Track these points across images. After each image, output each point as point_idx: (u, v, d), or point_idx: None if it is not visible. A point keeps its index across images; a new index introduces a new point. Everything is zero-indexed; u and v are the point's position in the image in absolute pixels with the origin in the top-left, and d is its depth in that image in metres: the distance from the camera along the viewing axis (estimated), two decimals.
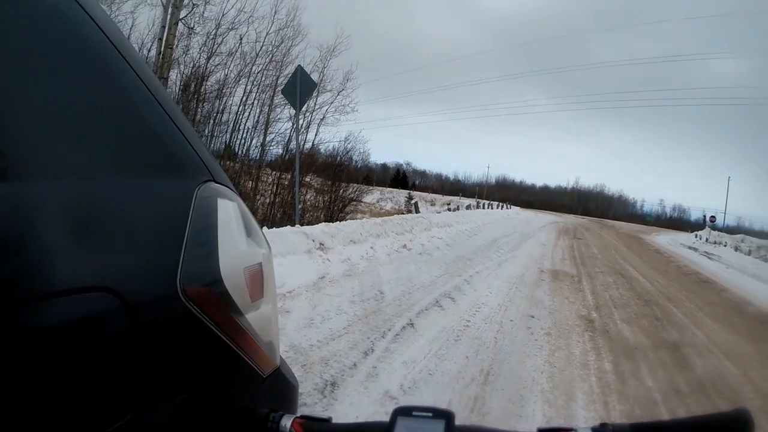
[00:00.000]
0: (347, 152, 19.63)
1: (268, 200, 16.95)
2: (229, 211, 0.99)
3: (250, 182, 16.72)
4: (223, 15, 15.48)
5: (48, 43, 0.84)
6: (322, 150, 19.25)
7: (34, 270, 0.66)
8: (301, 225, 8.49)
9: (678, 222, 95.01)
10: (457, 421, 0.65)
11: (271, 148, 18.06)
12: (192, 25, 14.86)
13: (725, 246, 25.18)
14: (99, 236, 0.76)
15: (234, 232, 0.98)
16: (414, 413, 0.66)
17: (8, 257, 0.65)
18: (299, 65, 10.58)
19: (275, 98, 17.18)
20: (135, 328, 0.75)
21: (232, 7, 15.65)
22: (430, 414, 0.66)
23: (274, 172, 17.78)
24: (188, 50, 15.41)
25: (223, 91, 16.34)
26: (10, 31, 0.78)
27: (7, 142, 0.70)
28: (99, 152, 0.84)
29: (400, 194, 58.31)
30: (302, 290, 5.29)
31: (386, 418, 0.66)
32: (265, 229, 7.14)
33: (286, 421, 0.71)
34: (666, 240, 27.96)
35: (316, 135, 18.50)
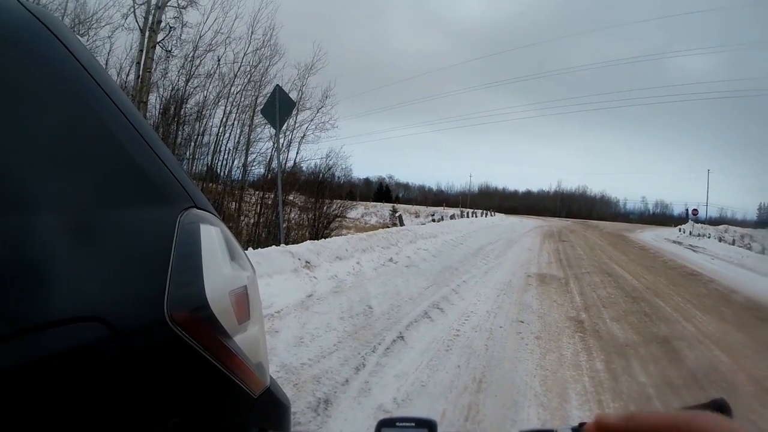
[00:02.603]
0: (329, 169, 19.69)
1: (252, 221, 16.90)
2: (212, 237, 1.00)
3: (234, 203, 16.68)
4: (200, 37, 15.54)
5: (28, 78, 0.85)
6: (304, 168, 19.27)
7: (26, 302, 0.67)
8: (287, 244, 8.47)
9: (661, 217, 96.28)
10: (440, 429, 0.67)
11: (253, 168, 18.03)
12: (170, 48, 14.93)
13: (709, 237, 25.52)
14: (86, 267, 0.77)
15: (218, 257, 0.99)
16: (398, 424, 0.68)
17: (3, 290, 0.66)
18: (277, 85, 10.60)
19: (255, 118, 17.19)
20: (125, 356, 0.76)
21: (209, 28, 15.72)
22: (413, 424, 0.68)
23: (257, 192, 17.76)
24: (167, 73, 15.43)
25: (203, 112, 16.35)
26: None
27: None
28: (82, 185, 0.85)
29: (384, 208, 58.39)
30: (290, 309, 5.28)
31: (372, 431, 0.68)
32: (250, 249, 7.12)
33: None
34: (651, 236, 28.22)
35: (297, 153, 18.52)
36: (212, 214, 1.07)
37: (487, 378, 3.77)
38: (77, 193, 0.84)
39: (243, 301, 1.04)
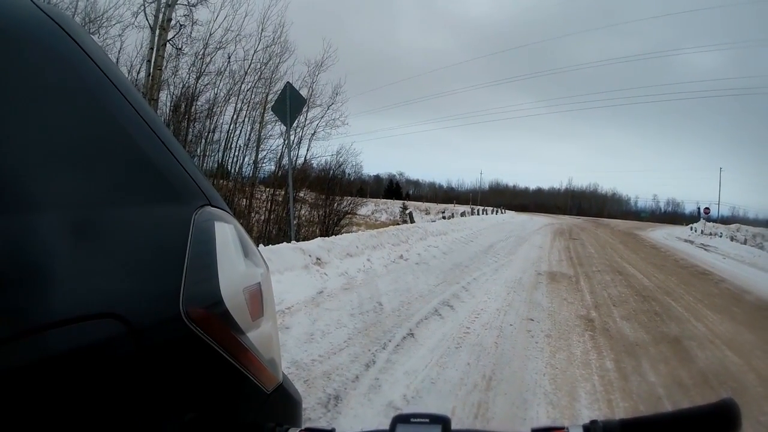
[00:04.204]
0: (340, 165, 19.67)
1: (262, 217, 16.93)
2: (227, 234, 1.02)
3: (244, 200, 16.72)
4: (210, 35, 15.60)
5: (42, 78, 0.87)
6: (314, 164, 19.28)
7: (44, 299, 0.68)
8: (297, 241, 8.50)
9: (673, 216, 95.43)
10: (454, 426, 0.68)
11: (264, 165, 18.08)
12: (180, 46, 14.99)
13: (721, 236, 25.28)
14: (103, 264, 0.79)
15: (232, 254, 1.01)
16: (412, 420, 0.69)
17: (18, 288, 0.67)
18: (288, 82, 10.63)
19: (266, 115, 17.23)
20: (142, 352, 0.78)
21: (219, 26, 15.77)
22: (427, 420, 0.69)
23: (267, 189, 17.77)
24: (177, 71, 15.51)
25: (214, 110, 16.41)
26: (3, 69, 0.81)
27: (8, 176, 0.73)
28: (98, 183, 0.87)
29: (395, 205, 58.23)
30: (301, 306, 5.30)
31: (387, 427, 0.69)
32: (261, 246, 7.14)
33: None
34: (662, 235, 27.99)
35: (308, 150, 18.53)
36: (226, 211, 1.09)
37: (496, 376, 3.77)
38: (92, 191, 0.85)
39: (257, 298, 1.05)
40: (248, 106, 17.33)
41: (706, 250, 18.33)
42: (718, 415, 0.62)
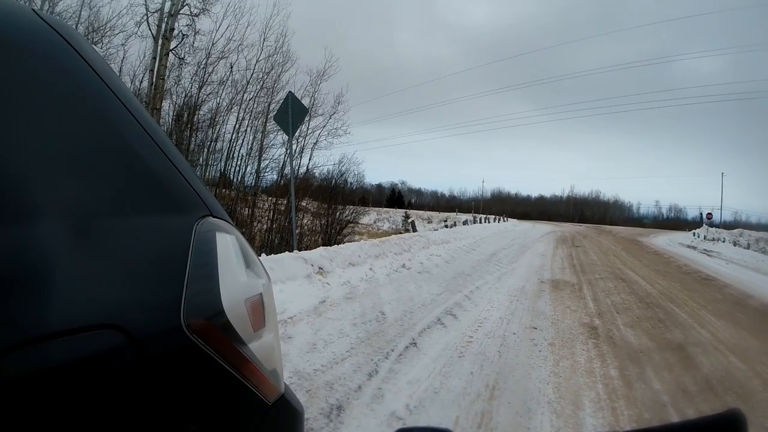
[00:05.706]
0: (342, 175, 19.69)
1: (265, 226, 16.92)
2: (228, 245, 1.02)
3: (247, 209, 16.72)
4: (212, 44, 15.66)
5: (44, 87, 0.87)
6: (316, 174, 19.29)
7: (44, 309, 0.68)
8: (299, 250, 8.47)
9: (675, 222, 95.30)
10: None
11: (266, 174, 18.07)
12: (182, 56, 15.08)
13: (724, 242, 25.29)
14: (103, 274, 0.79)
15: (234, 265, 1.00)
16: None
17: (18, 298, 0.67)
18: (290, 91, 10.64)
19: (268, 124, 17.25)
20: (142, 363, 0.78)
21: (222, 36, 15.86)
22: None
23: (270, 198, 17.78)
24: (180, 80, 15.56)
25: (216, 119, 16.42)
26: (6, 79, 0.81)
27: (9, 185, 0.73)
28: (98, 192, 0.87)
29: (397, 214, 58.31)
30: (303, 315, 5.28)
31: None
32: (263, 255, 7.14)
33: None
34: (664, 241, 27.92)
35: (310, 159, 18.51)
36: (227, 222, 1.09)
37: (500, 385, 3.75)
38: (93, 202, 0.85)
39: (258, 309, 1.05)
40: (250, 116, 17.37)
41: (709, 255, 18.30)
42: (725, 426, 0.61)
